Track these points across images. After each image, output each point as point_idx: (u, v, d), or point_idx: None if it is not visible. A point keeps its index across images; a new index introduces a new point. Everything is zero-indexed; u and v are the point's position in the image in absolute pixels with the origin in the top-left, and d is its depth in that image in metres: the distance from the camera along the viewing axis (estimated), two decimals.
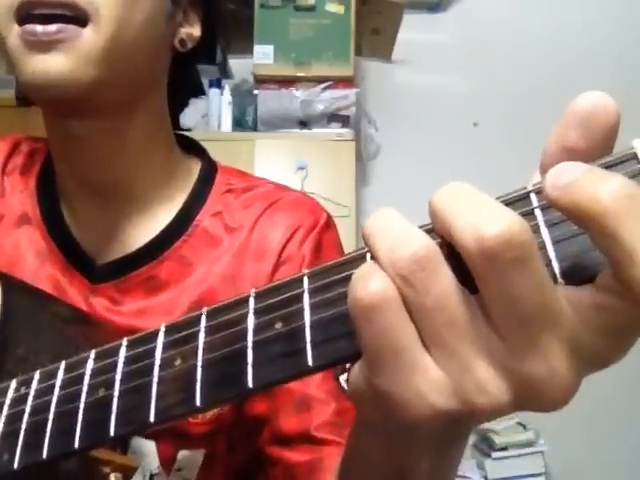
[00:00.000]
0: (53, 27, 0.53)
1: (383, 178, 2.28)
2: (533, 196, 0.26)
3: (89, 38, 0.54)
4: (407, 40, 2.23)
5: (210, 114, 2.02)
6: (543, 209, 0.25)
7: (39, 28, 0.53)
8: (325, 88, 1.92)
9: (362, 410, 0.31)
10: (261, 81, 1.95)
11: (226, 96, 2.03)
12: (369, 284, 0.26)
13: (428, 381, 0.26)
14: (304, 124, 1.96)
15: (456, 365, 0.25)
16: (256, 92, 1.97)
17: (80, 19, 0.54)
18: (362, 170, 2.19)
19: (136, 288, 0.64)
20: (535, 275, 0.24)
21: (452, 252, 0.25)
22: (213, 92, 2.02)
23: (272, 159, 1.93)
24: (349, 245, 0.72)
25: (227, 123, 2.02)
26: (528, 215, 0.25)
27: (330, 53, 1.91)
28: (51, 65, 0.53)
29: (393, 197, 2.26)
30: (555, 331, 0.24)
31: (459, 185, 0.27)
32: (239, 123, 2.04)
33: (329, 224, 0.69)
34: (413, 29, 2.24)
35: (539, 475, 2.01)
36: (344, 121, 1.96)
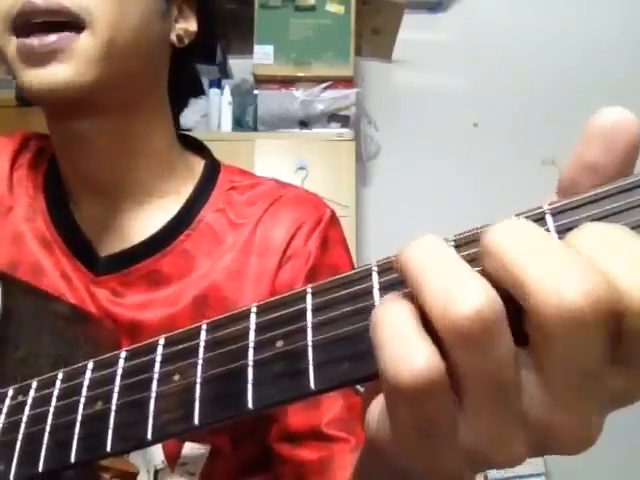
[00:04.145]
0: (50, 38, 0.53)
1: (383, 178, 2.27)
2: (549, 218, 0.24)
3: (86, 43, 0.55)
4: (407, 40, 2.22)
5: (210, 114, 2.01)
6: (559, 232, 0.23)
7: (35, 42, 0.53)
8: (325, 88, 1.91)
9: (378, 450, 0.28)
10: (261, 81, 1.94)
11: (226, 96, 2.03)
12: (413, 362, 0.22)
13: (460, 456, 0.24)
14: (304, 124, 1.95)
15: (493, 433, 0.23)
16: (256, 92, 1.96)
17: (76, 25, 0.54)
18: (362, 170, 2.18)
19: (138, 281, 0.64)
20: (602, 334, 0.21)
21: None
22: (213, 92, 2.02)
23: (272, 159, 1.92)
24: (349, 246, 0.72)
25: (227, 123, 2.02)
26: None
27: (330, 53, 1.90)
28: (50, 76, 0.54)
29: (393, 197, 2.27)
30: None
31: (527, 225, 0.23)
32: (239, 123, 2.03)
33: (333, 220, 0.69)
34: (413, 29, 2.23)
35: (539, 475, 2.01)
36: (344, 121, 1.95)
